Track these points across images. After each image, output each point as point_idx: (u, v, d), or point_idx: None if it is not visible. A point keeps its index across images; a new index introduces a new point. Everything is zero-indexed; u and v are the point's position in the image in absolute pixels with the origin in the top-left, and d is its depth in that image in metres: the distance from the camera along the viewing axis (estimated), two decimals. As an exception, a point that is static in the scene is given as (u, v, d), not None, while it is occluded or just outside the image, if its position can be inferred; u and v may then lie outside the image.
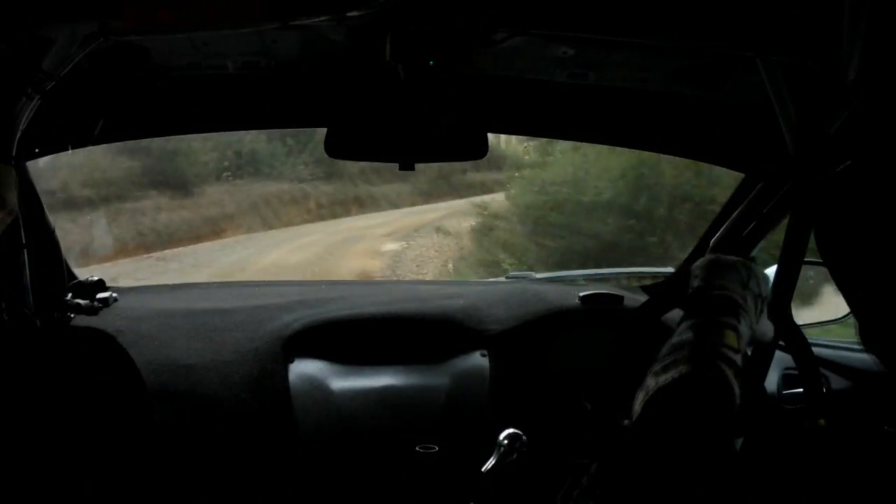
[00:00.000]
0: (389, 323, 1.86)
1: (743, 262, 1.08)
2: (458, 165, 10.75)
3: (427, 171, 10.92)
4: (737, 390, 0.91)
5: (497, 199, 10.11)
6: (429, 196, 11.61)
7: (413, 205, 11.63)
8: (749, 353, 1.26)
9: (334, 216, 11.03)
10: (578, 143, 6.51)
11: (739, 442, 1.08)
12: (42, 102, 1.32)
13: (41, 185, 1.70)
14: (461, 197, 11.39)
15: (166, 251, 8.93)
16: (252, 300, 1.95)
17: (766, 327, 1.06)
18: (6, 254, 1.47)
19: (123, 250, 8.61)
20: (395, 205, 11.56)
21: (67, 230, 6.89)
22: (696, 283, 1.05)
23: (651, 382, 0.93)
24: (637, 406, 0.94)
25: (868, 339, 0.82)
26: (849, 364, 1.64)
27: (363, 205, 11.43)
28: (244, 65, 1.53)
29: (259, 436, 1.67)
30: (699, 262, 1.09)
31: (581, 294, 1.93)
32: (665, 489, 0.87)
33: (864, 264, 0.77)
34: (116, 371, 1.66)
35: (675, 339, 0.97)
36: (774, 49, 1.11)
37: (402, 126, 1.53)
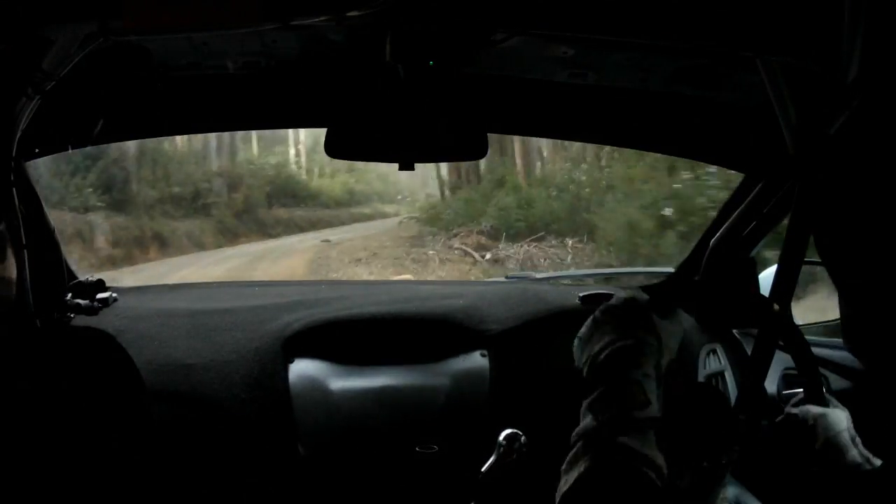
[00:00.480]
0: (389, 323, 1.86)
1: (607, 306, 1.01)
2: (263, 199, 9.85)
3: (232, 204, 9.59)
4: (657, 460, 0.85)
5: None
6: (235, 235, 9.59)
7: (218, 246, 9.58)
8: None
9: (130, 258, 8.76)
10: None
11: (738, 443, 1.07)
12: (42, 102, 1.32)
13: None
14: (272, 236, 9.67)
15: None
16: (252, 300, 1.95)
17: (673, 327, 1.01)
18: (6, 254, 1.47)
19: None
20: (199, 244, 9.49)
21: None
22: (585, 370, 0.98)
23: (562, 482, 0.88)
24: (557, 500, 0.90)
25: (853, 338, 0.81)
26: (849, 364, 1.64)
27: (165, 244, 9.25)
28: (244, 65, 1.53)
29: (259, 436, 1.67)
30: (578, 353, 1.03)
31: (581, 294, 1.93)
32: None
33: (864, 264, 0.77)
34: (116, 371, 1.66)
35: (579, 426, 0.92)
36: (774, 49, 1.11)
37: (402, 126, 1.53)
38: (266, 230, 9.99)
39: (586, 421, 0.91)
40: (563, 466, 0.89)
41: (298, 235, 9.66)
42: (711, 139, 1.80)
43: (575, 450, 0.89)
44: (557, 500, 0.88)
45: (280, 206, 10.15)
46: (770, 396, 1.65)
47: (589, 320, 1.03)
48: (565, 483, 0.87)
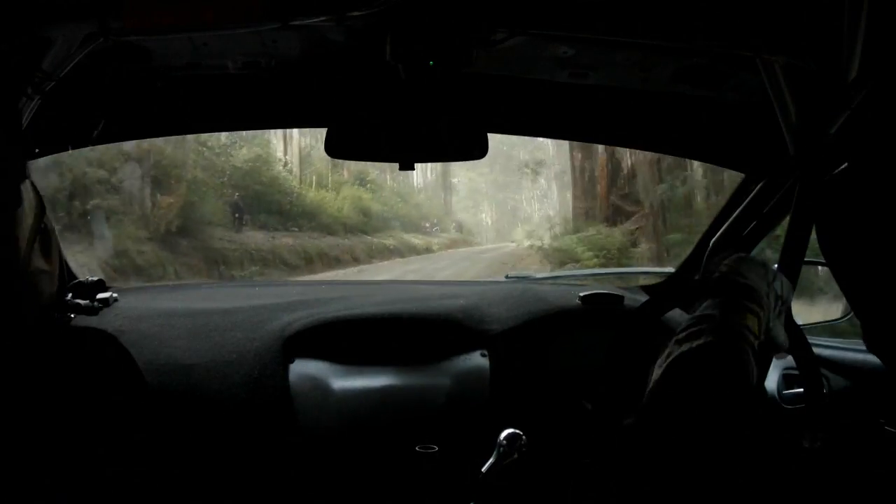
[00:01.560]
0: (389, 323, 1.86)
1: (768, 265, 1.07)
2: (221, 213, 6.71)
3: (157, 215, 6.35)
4: (754, 370, 0.91)
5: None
6: (147, 275, 5.51)
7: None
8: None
9: None
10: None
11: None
12: (42, 102, 1.32)
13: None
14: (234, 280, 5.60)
15: None
16: (252, 300, 1.95)
17: (780, 332, 1.04)
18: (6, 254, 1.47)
19: None
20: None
21: None
22: (722, 269, 1.03)
23: (674, 348, 0.92)
24: (656, 370, 0.92)
25: (872, 339, 0.81)
26: (849, 364, 1.64)
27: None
28: (244, 65, 1.53)
29: (259, 436, 1.67)
30: (726, 259, 1.08)
31: (581, 294, 1.93)
32: (680, 460, 0.86)
33: (867, 264, 0.77)
34: (116, 371, 1.66)
35: (699, 312, 0.97)
36: (774, 49, 1.11)
37: (402, 126, 1.53)
38: (220, 269, 5.30)
39: (712, 311, 0.95)
40: (679, 336, 0.93)
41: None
42: (712, 139, 1.80)
43: (699, 327, 0.93)
44: (668, 360, 0.91)
45: (257, 226, 6.13)
46: (770, 396, 1.66)
47: (756, 259, 1.07)
48: (679, 349, 0.91)
